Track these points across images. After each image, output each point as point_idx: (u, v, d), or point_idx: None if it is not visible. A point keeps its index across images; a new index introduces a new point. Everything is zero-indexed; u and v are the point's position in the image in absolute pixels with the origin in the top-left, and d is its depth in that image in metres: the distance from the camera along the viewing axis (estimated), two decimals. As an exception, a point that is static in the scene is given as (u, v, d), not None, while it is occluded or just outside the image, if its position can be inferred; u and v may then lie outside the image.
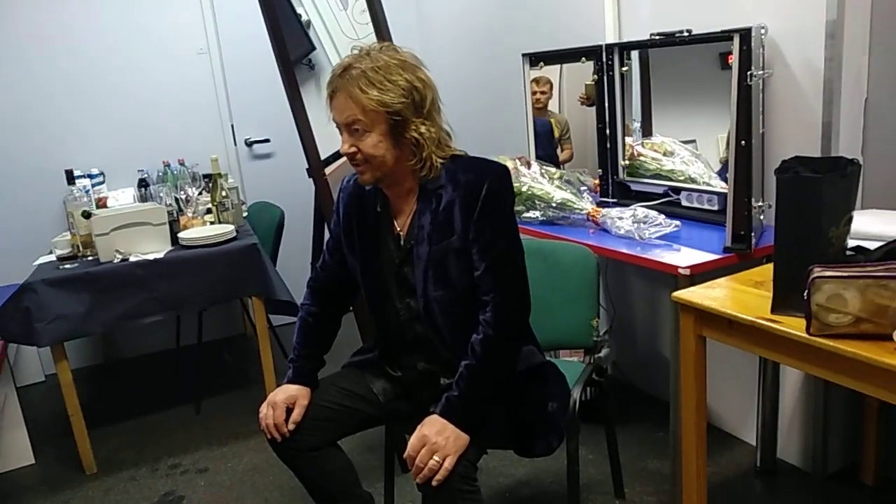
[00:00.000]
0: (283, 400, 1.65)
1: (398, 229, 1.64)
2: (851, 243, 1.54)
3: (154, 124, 3.66)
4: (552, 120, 2.77)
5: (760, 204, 1.97)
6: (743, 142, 1.91)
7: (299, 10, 2.95)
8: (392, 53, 1.52)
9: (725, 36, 1.93)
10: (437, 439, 1.45)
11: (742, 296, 1.64)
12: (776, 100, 2.10)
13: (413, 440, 1.47)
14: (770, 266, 1.58)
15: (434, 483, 1.42)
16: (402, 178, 1.59)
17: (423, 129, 1.51)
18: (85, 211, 2.59)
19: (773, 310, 1.50)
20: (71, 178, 2.77)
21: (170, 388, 3.40)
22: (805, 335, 1.39)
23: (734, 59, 1.88)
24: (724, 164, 2.19)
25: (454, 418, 1.48)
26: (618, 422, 2.34)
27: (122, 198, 3.30)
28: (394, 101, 1.47)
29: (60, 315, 2.46)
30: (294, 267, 3.31)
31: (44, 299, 2.44)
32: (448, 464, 1.43)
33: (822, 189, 1.41)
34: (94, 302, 2.51)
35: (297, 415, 1.64)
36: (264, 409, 1.65)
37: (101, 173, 3.47)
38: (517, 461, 1.63)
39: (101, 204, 3.17)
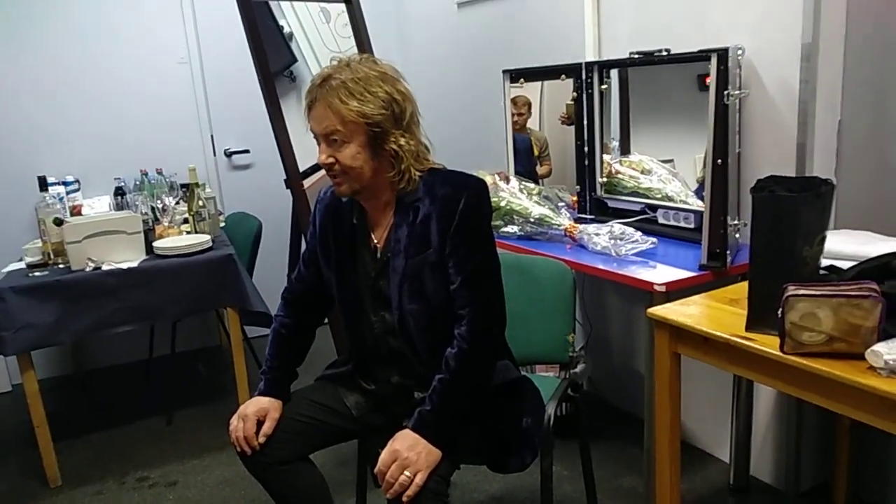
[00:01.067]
0: (254, 412, 1.62)
1: (375, 241, 1.63)
2: (825, 263, 1.56)
3: (132, 133, 3.62)
4: (531, 137, 2.78)
5: (736, 222, 1.99)
6: (719, 160, 1.93)
7: (282, 22, 2.95)
8: (372, 65, 1.51)
9: (703, 56, 1.96)
10: (408, 454, 1.43)
11: (717, 313, 1.64)
12: (752, 120, 2.12)
13: (384, 455, 1.45)
14: (745, 284, 1.59)
15: (404, 499, 1.40)
16: (380, 190, 1.58)
17: (402, 141, 1.51)
18: (57, 218, 2.55)
19: (748, 327, 1.51)
20: (44, 184, 2.73)
21: (141, 399, 3.34)
22: (779, 353, 1.40)
23: (711, 79, 1.91)
24: (701, 183, 2.21)
25: (426, 433, 1.47)
26: (593, 438, 2.33)
27: (98, 206, 3.26)
28: (373, 112, 1.46)
29: (28, 324, 2.41)
30: (271, 278, 3.28)
31: (11, 307, 2.39)
32: (419, 479, 1.41)
33: (798, 208, 1.42)
34: (64, 311, 2.46)
35: (267, 428, 1.61)
36: (234, 422, 1.62)
37: (77, 181, 3.42)
38: (491, 477, 1.62)
39: (76, 212, 3.12)
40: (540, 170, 2.79)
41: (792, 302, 1.36)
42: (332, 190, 1.66)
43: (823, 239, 1.50)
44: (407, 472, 1.41)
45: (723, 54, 1.90)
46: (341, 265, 1.66)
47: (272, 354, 1.75)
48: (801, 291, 1.36)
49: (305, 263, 1.77)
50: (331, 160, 1.51)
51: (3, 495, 2.57)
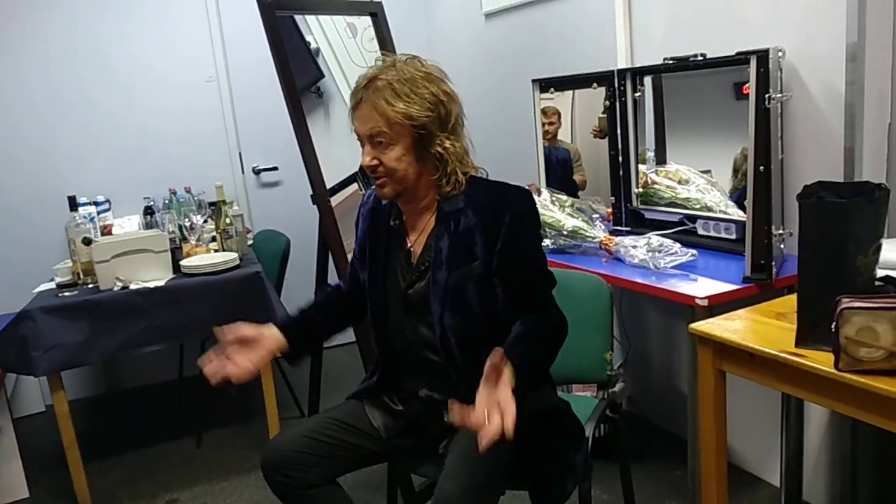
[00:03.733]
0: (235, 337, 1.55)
1: (409, 245, 1.59)
2: (880, 273, 1.46)
3: (161, 152, 3.64)
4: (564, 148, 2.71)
5: (781, 232, 1.89)
6: (762, 167, 1.84)
7: (308, 38, 2.95)
8: (418, 65, 1.48)
9: (742, 59, 1.88)
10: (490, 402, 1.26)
11: (763, 328, 1.55)
12: (795, 125, 2.03)
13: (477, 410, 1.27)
14: (792, 297, 1.50)
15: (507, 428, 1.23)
16: (422, 193, 1.54)
17: (447, 143, 1.48)
18: (85, 238, 2.55)
19: (798, 343, 1.41)
20: (74, 204, 2.73)
21: (171, 420, 3.33)
22: (833, 370, 1.30)
23: (751, 82, 1.82)
24: (738, 191, 2.13)
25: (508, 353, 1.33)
26: (633, 459, 2.24)
27: (128, 225, 3.27)
28: (420, 114, 1.43)
29: (58, 344, 2.40)
30: (299, 296, 3.22)
31: (41, 327, 2.38)
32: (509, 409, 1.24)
33: (849, 215, 1.33)
34: (93, 330, 2.45)
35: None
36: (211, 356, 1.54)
37: (107, 201, 3.44)
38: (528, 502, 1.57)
39: (107, 231, 3.13)
40: (576, 177, 2.71)
41: (847, 315, 1.27)
42: (374, 193, 1.64)
43: (879, 247, 1.40)
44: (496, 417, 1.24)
45: (763, 56, 1.81)
46: (374, 268, 1.63)
47: (308, 304, 1.74)
48: (857, 304, 1.27)
49: (351, 264, 1.76)
50: (375, 162, 1.48)
51: (33, 517, 2.56)
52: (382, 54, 1.53)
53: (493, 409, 1.25)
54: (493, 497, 1.42)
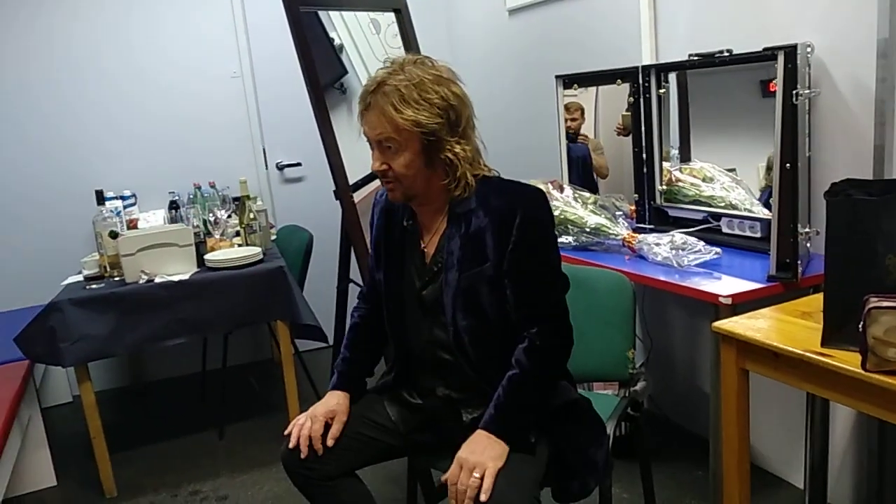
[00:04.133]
0: (324, 413, 1.57)
1: (423, 246, 1.58)
2: (910, 272, 1.43)
3: (186, 147, 3.68)
4: (588, 145, 2.70)
5: (807, 230, 1.87)
6: (788, 164, 1.82)
7: (332, 35, 2.95)
8: (426, 68, 1.45)
9: (769, 55, 1.85)
10: (469, 457, 1.37)
11: (788, 327, 1.53)
12: (823, 122, 2.00)
13: (452, 469, 1.38)
14: (818, 296, 1.48)
15: (483, 497, 1.31)
16: (433, 196, 1.53)
17: (457, 148, 1.45)
18: (112, 231, 2.58)
19: (824, 343, 1.39)
20: (101, 198, 2.78)
21: (194, 412, 3.37)
22: (861, 371, 1.28)
23: (778, 79, 1.80)
24: (765, 191, 2.10)
25: (492, 429, 1.41)
26: (654, 459, 2.22)
27: (153, 219, 3.31)
28: (429, 121, 1.41)
29: (85, 335, 2.44)
30: (322, 291, 3.26)
31: (69, 319, 2.42)
32: (489, 473, 1.33)
33: (879, 213, 1.31)
34: (119, 323, 2.48)
35: (335, 431, 1.56)
36: (301, 419, 1.56)
37: (133, 195, 3.48)
38: (548, 501, 1.56)
39: (132, 225, 3.17)
40: (597, 160, 2.69)
41: (875, 315, 1.25)
42: (386, 192, 1.62)
43: (909, 246, 1.38)
44: (476, 474, 1.34)
45: (790, 52, 1.79)
46: (389, 270, 1.62)
47: (347, 346, 1.72)
48: (886, 304, 1.25)
49: (370, 269, 1.74)
50: (384, 167, 1.47)
51: (60, 505, 2.61)
52: (389, 60, 1.49)
53: (468, 474, 1.34)
54: (532, 482, 1.42)
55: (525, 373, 1.46)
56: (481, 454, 1.37)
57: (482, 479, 1.33)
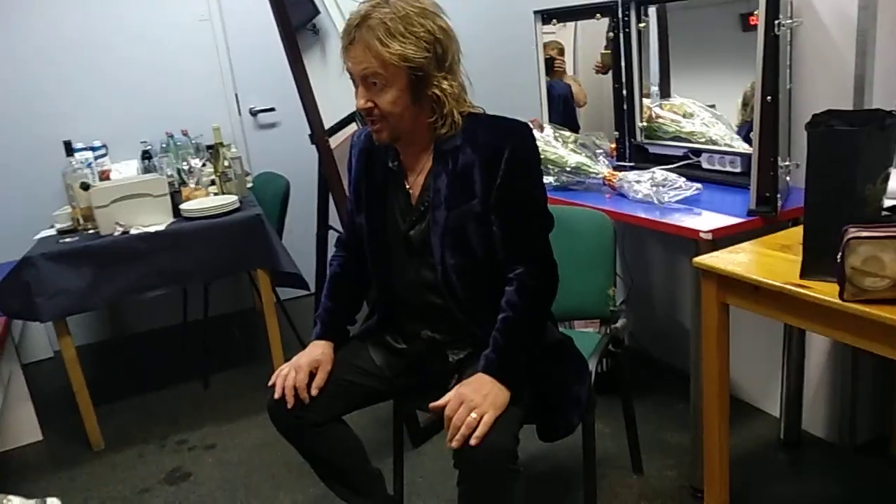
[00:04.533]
0: (308, 363, 1.56)
1: (408, 187, 1.56)
2: (888, 203, 1.44)
3: (156, 95, 3.57)
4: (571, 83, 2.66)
5: (787, 163, 1.86)
6: (769, 97, 1.80)
7: (302, -27, 2.84)
8: (410, 0, 1.40)
9: (750, -16, 1.81)
10: (474, 396, 1.36)
11: (768, 260, 1.54)
12: (805, 53, 1.98)
13: (451, 400, 1.37)
14: (798, 229, 1.49)
15: (473, 441, 1.31)
16: (419, 135, 1.49)
17: (444, 84, 1.42)
18: (83, 183, 2.52)
19: (803, 274, 1.41)
20: (70, 149, 2.70)
21: (178, 363, 3.36)
22: (838, 301, 1.30)
23: (760, 7, 1.76)
24: (743, 125, 2.09)
25: (494, 373, 1.41)
26: (635, 394, 2.26)
27: (126, 170, 3.23)
28: (416, 55, 1.37)
29: (61, 290, 2.40)
30: (301, 239, 3.23)
31: (44, 274, 2.38)
32: (487, 419, 1.33)
33: (859, 143, 1.31)
34: (95, 276, 2.45)
35: (319, 380, 1.56)
36: (285, 370, 1.56)
37: (104, 146, 3.39)
38: (532, 437, 1.57)
39: (105, 177, 3.10)
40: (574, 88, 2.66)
41: (853, 245, 1.26)
42: (365, 133, 1.59)
43: (888, 177, 1.38)
44: (474, 414, 1.34)
45: (772, -19, 1.75)
46: (372, 212, 1.59)
47: (327, 295, 1.70)
48: (864, 234, 1.26)
49: (349, 214, 1.70)
50: (370, 104, 1.43)
51: (48, 459, 2.61)
52: None
53: (466, 411, 1.34)
54: (515, 424, 1.43)
55: (520, 314, 1.46)
56: (484, 397, 1.36)
57: (479, 419, 1.33)
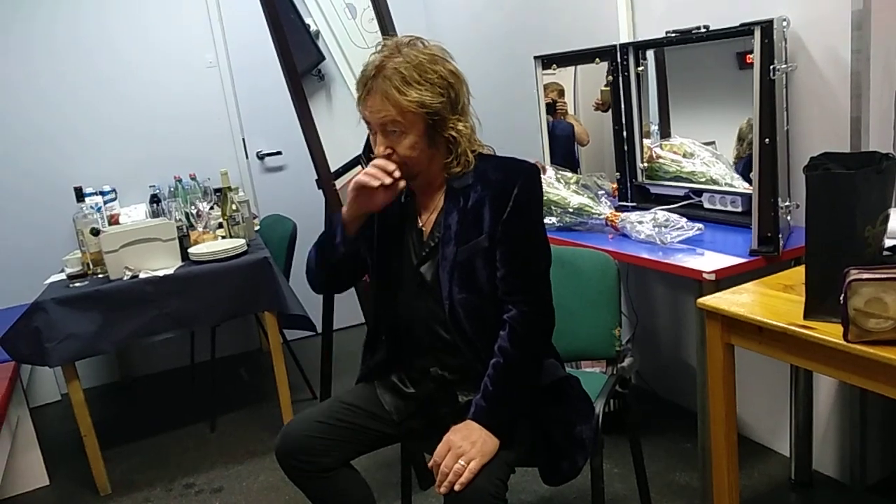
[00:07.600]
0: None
1: (421, 224, 1.59)
2: (888, 243, 1.46)
3: (165, 140, 3.64)
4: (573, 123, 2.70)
5: (787, 204, 1.89)
6: (767, 140, 1.83)
7: (308, 21, 2.91)
8: (422, 48, 1.47)
9: (745, 30, 1.85)
10: (462, 443, 1.39)
11: (771, 301, 1.56)
12: (801, 95, 2.02)
13: (439, 447, 1.41)
14: (800, 269, 1.50)
15: (457, 487, 1.35)
16: (433, 175, 1.54)
17: (459, 125, 1.48)
18: (93, 228, 2.56)
19: (806, 315, 1.42)
20: (80, 195, 2.74)
21: (185, 405, 3.36)
22: (842, 342, 1.31)
23: (755, 54, 1.80)
24: (740, 161, 2.12)
25: (482, 421, 1.43)
26: (643, 433, 2.26)
27: (135, 214, 3.28)
28: (432, 100, 1.42)
29: (71, 334, 2.42)
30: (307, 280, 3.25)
31: (54, 318, 2.40)
32: (473, 466, 1.36)
33: (856, 185, 1.33)
34: (105, 320, 2.47)
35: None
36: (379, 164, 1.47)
37: (113, 190, 3.45)
38: (538, 482, 1.58)
39: (114, 220, 3.15)
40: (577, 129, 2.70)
41: (855, 287, 1.27)
42: None
43: (887, 217, 1.40)
44: (461, 461, 1.37)
45: (767, 27, 1.79)
46: (385, 247, 1.62)
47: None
48: (866, 275, 1.27)
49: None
50: (389, 151, 1.47)
51: (55, 504, 2.61)
52: (383, 38, 1.51)
53: (453, 458, 1.38)
54: (504, 471, 1.44)
55: (510, 361, 1.48)
56: (472, 444, 1.39)
57: (466, 466, 1.37)
